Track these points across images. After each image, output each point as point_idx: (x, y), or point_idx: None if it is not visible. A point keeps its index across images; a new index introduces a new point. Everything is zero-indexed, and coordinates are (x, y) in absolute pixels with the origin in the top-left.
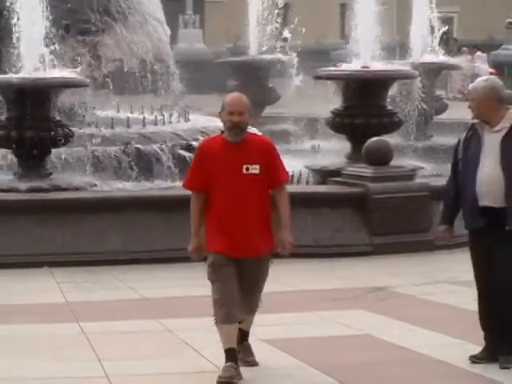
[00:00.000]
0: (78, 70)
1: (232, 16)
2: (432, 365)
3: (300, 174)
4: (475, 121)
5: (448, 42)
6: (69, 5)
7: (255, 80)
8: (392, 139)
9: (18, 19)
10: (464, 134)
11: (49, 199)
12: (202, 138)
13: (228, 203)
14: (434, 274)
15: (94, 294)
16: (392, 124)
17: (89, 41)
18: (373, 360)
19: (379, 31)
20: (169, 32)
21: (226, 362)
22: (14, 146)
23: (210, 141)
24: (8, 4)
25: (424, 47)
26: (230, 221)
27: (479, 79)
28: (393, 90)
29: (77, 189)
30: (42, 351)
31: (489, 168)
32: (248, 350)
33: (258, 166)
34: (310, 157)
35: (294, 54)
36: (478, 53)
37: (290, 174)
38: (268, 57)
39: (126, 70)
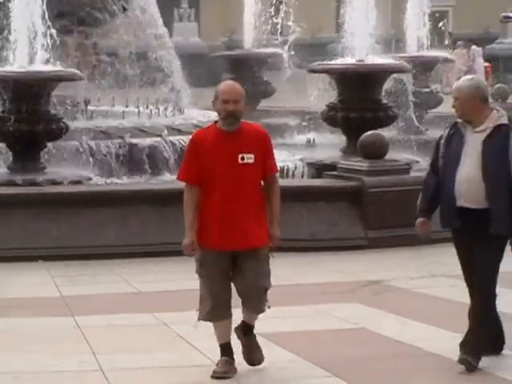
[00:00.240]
0: (73, 63)
1: (227, 10)
2: (427, 358)
3: (295, 168)
4: (458, 120)
5: (443, 36)
6: None
7: (250, 74)
8: (387, 133)
9: (11, 12)
10: (446, 131)
11: (45, 193)
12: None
13: (224, 193)
14: (430, 267)
15: (88, 288)
16: (387, 118)
17: (84, 33)
18: (368, 353)
19: (374, 25)
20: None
21: (221, 356)
22: (8, 140)
23: (204, 131)
24: None
25: (419, 41)
26: (226, 211)
27: (464, 78)
28: (388, 84)
29: (74, 182)
30: (38, 345)
31: (469, 168)
32: (250, 347)
33: (252, 156)
34: (305, 150)
35: (288, 48)
36: (474, 47)
37: (285, 167)
38: (263, 50)
39: (118, 65)
